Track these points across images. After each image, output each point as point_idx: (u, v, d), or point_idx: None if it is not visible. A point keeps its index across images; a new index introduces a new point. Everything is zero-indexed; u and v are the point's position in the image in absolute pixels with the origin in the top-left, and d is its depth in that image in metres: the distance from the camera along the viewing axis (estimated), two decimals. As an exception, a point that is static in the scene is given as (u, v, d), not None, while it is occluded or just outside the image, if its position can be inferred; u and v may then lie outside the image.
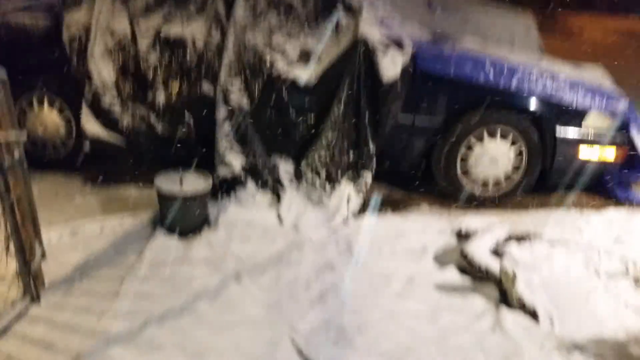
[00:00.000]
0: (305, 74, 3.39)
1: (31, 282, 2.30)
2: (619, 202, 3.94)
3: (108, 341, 2.11)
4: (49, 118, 3.83)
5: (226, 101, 3.40)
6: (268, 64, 3.39)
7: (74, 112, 3.75)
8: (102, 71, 3.47)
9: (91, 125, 3.56)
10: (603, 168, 3.86)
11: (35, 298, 2.33)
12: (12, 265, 2.29)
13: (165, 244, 2.93)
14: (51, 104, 3.82)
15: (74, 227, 3.04)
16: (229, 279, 2.62)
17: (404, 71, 3.41)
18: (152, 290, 2.49)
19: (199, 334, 2.22)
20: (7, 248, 2.25)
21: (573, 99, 3.62)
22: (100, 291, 2.47)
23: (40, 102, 3.81)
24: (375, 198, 3.65)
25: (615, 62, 5.04)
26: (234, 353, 2.11)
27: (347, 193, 3.48)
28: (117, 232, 3.05)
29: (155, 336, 2.17)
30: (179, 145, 3.59)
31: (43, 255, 2.59)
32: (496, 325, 2.41)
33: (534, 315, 2.45)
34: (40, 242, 2.57)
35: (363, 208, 3.50)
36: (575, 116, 3.64)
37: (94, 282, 2.55)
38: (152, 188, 3.05)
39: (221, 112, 3.41)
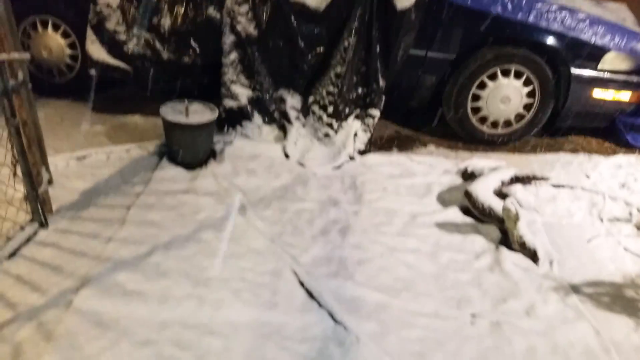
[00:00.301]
0: (315, 0, 3.26)
1: (39, 207, 2.33)
2: (629, 147, 3.89)
3: (115, 266, 2.17)
4: (54, 42, 3.75)
5: (233, 28, 3.30)
6: None
7: (78, 36, 3.67)
8: (107, -8, 3.36)
9: (96, 50, 3.49)
10: (616, 111, 3.79)
11: (43, 223, 2.37)
12: (20, 190, 2.32)
13: (171, 174, 2.95)
14: (55, 28, 3.73)
15: (81, 154, 3.04)
16: (234, 211, 2.65)
17: None
18: (158, 218, 2.53)
19: (204, 262, 2.27)
20: (15, 172, 2.27)
21: (592, 37, 3.49)
22: (107, 218, 2.50)
23: (44, 26, 3.73)
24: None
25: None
26: (237, 282, 2.16)
27: (354, 130, 3.45)
28: (123, 161, 3.06)
29: (160, 263, 2.22)
30: (184, 72, 3.53)
31: (50, 181, 2.61)
32: (495, 265, 2.45)
33: (533, 256, 2.48)
34: (47, 168, 2.59)
35: (369, 145, 3.47)
36: (593, 55, 3.53)
37: (100, 209, 2.58)
38: (158, 117, 3.02)
39: (227, 39, 3.32)
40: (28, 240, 2.29)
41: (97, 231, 2.40)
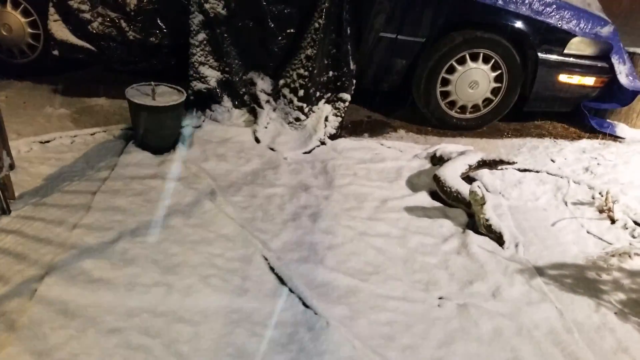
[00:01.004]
0: None
1: (0, 193, 2.26)
2: (593, 132, 3.99)
3: (80, 253, 2.12)
4: (13, 20, 3.60)
5: (200, 6, 3.22)
6: None
7: (40, 15, 3.53)
8: (70, -32, 3.24)
9: (59, 29, 3.38)
10: (581, 96, 3.87)
11: (4, 210, 2.30)
12: (-21, 175, 2.24)
13: (138, 158, 2.88)
14: (15, 5, 3.58)
15: (44, 138, 2.95)
16: (203, 197, 2.62)
17: None
18: (125, 204, 2.48)
19: (172, 249, 2.24)
20: (-27, 158, 2.19)
21: (558, 21, 3.54)
22: (72, 204, 2.44)
23: (3, 3, 3.57)
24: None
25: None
26: (207, 268, 2.15)
27: (325, 114, 3.44)
28: (88, 145, 2.99)
29: (128, 250, 2.18)
30: (151, 53, 3.45)
31: (12, 166, 2.51)
32: (462, 248, 2.49)
33: (499, 239, 2.54)
34: (9, 153, 2.49)
35: (340, 130, 3.47)
36: (559, 40, 3.59)
37: (65, 195, 2.51)
38: (124, 100, 2.95)
39: (195, 18, 3.24)
40: (-11, 227, 2.22)
41: (62, 217, 2.34)
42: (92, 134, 3.08)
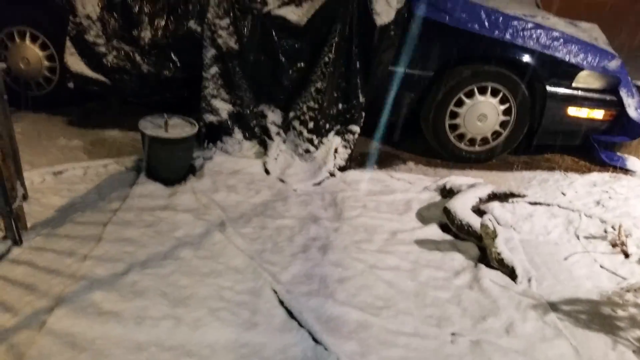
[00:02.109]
0: (296, 15, 3.28)
1: (13, 223, 2.28)
2: (603, 165, 3.98)
3: (90, 285, 2.12)
4: (31, 53, 3.70)
5: (213, 41, 3.29)
6: (257, 3, 3.26)
7: (57, 48, 3.63)
8: (87, 4, 3.34)
9: (75, 62, 3.45)
10: (590, 129, 3.87)
11: (17, 240, 2.31)
12: (-7, 206, 2.26)
13: (149, 190, 2.91)
14: (33, 39, 3.68)
15: (57, 169, 2.99)
16: (213, 228, 2.62)
17: (399, 15, 3.31)
18: (136, 236, 2.49)
19: (182, 281, 2.23)
20: (-13, 188, 2.21)
21: (566, 55, 3.57)
22: (83, 235, 2.45)
23: (22, 37, 3.67)
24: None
25: (612, 22, 4.97)
26: (216, 301, 2.13)
27: (334, 146, 3.46)
28: (101, 176, 3.02)
29: (137, 282, 2.18)
30: (164, 85, 3.51)
31: (25, 196, 2.55)
32: (474, 282, 2.46)
33: (512, 274, 2.51)
34: (22, 183, 2.53)
35: (350, 162, 3.48)
36: (567, 73, 3.61)
37: (76, 225, 2.53)
38: (137, 132, 2.99)
39: (208, 52, 3.31)
40: (1, 258, 2.22)
41: (73, 249, 2.35)
42: (104, 165, 3.12)
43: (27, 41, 3.67)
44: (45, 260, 2.25)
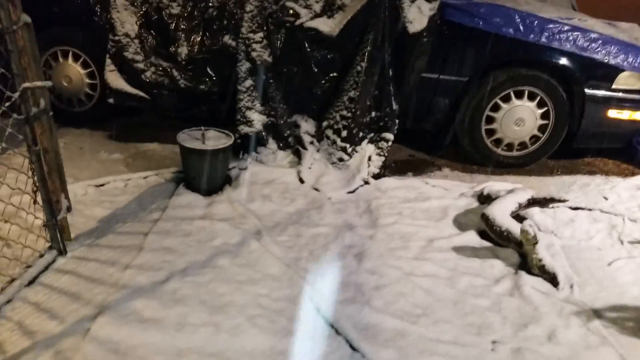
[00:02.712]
0: (328, 26, 3.31)
1: (58, 234, 2.36)
2: (647, 168, 3.85)
3: (132, 293, 2.17)
4: (74, 71, 3.85)
5: (248, 55, 3.36)
6: (290, 16, 3.31)
7: (97, 66, 3.76)
8: (125, 23, 3.46)
9: (114, 79, 3.58)
10: (633, 131, 3.75)
11: (61, 250, 2.39)
12: (40, 217, 2.35)
13: (187, 200, 2.97)
14: (75, 57, 3.83)
15: (99, 182, 3.09)
16: (250, 237, 2.66)
17: (431, 22, 3.30)
18: (175, 245, 2.54)
19: (220, 288, 2.26)
20: (35, 200, 2.30)
21: (605, 57, 3.48)
22: (124, 245, 2.52)
23: (65, 56, 3.83)
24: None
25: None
26: (254, 308, 2.15)
27: (368, 154, 3.46)
28: (141, 188, 3.10)
29: (177, 289, 2.22)
30: (201, 99, 3.59)
31: (69, 208, 2.64)
32: (515, 290, 2.41)
33: (553, 280, 2.44)
34: (67, 195, 2.62)
35: (384, 169, 3.47)
36: (607, 75, 3.52)
37: (118, 236, 2.60)
38: (175, 145, 3.06)
39: (243, 66, 3.38)
40: (47, 267, 2.31)
41: (115, 258, 2.42)
42: (144, 178, 3.20)
43: (70, 60, 3.82)
44: (89, 269, 2.33)
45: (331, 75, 3.44)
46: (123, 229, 2.67)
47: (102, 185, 3.08)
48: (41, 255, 2.35)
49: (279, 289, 2.30)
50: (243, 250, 2.55)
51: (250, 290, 2.27)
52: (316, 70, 3.42)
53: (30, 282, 2.20)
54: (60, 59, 3.83)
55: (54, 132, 2.44)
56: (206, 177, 3.06)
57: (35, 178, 2.23)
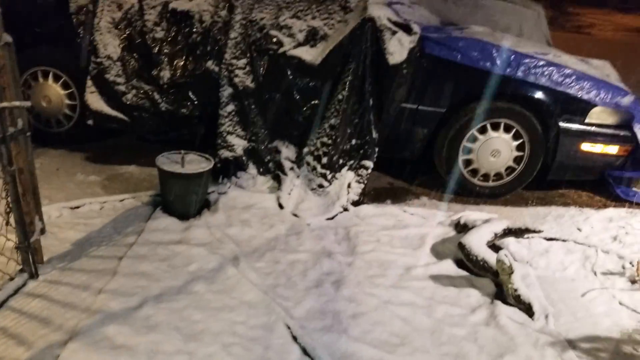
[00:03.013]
0: (310, 55, 3.36)
1: (30, 257, 2.31)
2: (619, 200, 3.94)
3: (104, 319, 2.12)
4: (53, 92, 3.82)
5: (230, 80, 3.38)
6: (274, 44, 3.36)
7: (78, 87, 3.75)
8: (108, 45, 3.46)
9: (95, 101, 3.56)
10: (605, 165, 3.85)
11: (33, 273, 2.33)
12: (12, 239, 2.29)
13: (164, 224, 2.94)
14: (56, 78, 3.81)
15: (74, 204, 3.04)
16: (227, 262, 2.63)
17: (411, 54, 3.37)
18: (150, 270, 2.50)
19: (195, 315, 2.22)
20: (7, 222, 2.25)
21: (578, 92, 3.59)
22: (98, 269, 2.47)
23: (45, 76, 3.80)
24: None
25: (623, 59, 5.02)
26: (229, 336, 2.12)
27: (347, 181, 3.48)
28: (117, 211, 3.06)
29: (151, 316, 2.18)
30: (181, 123, 3.59)
31: (43, 231, 2.59)
32: (491, 319, 2.42)
33: (529, 310, 2.46)
34: (41, 217, 2.58)
35: (363, 196, 3.49)
36: (580, 110, 3.62)
37: (92, 259, 2.55)
38: (154, 168, 3.04)
39: (225, 91, 3.40)
40: (16, 291, 2.24)
41: (88, 282, 2.36)
42: (121, 200, 3.16)
43: (50, 80, 3.80)
44: (60, 293, 2.27)
45: (313, 102, 3.47)
46: (97, 252, 2.62)
47: (77, 207, 3.03)
48: (11, 279, 2.29)
49: (255, 317, 2.27)
50: (219, 276, 2.52)
51: (225, 317, 2.24)
52: (298, 97, 3.45)
53: (-1, 306, 2.14)
54: (40, 79, 3.80)
55: (30, 152, 2.41)
56: (184, 201, 3.04)
57: (9, 199, 2.19)
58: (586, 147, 3.71)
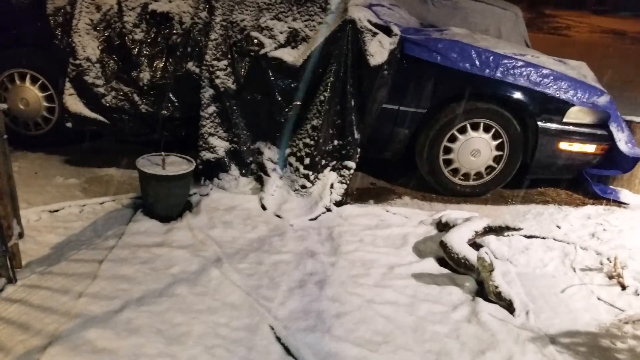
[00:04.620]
0: (292, 57, 3.36)
1: (7, 261, 2.27)
2: (597, 198, 4.01)
3: (85, 323, 2.09)
4: (31, 94, 3.76)
5: (211, 82, 3.37)
6: (255, 45, 3.35)
7: (56, 89, 3.69)
8: (87, 47, 3.42)
9: (73, 103, 3.51)
10: (583, 163, 3.91)
11: (11, 278, 2.29)
12: (-12, 244, 2.26)
13: (145, 227, 2.91)
14: (33, 80, 3.75)
15: (53, 207, 3.00)
16: (209, 264, 2.62)
17: (392, 56, 3.39)
18: (131, 273, 2.47)
19: (178, 318, 2.21)
20: (-16, 226, 2.22)
21: (556, 92, 3.65)
22: (78, 273, 2.44)
23: (22, 78, 3.74)
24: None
25: (599, 60, 5.12)
26: (212, 338, 2.11)
27: (330, 181, 3.48)
28: (97, 214, 3.02)
29: (132, 319, 2.16)
30: (162, 124, 3.56)
31: (21, 235, 2.55)
32: (472, 316, 2.45)
33: (509, 307, 2.49)
34: (19, 221, 2.53)
35: (346, 197, 3.51)
36: (558, 109, 3.68)
37: (72, 263, 2.52)
38: (134, 170, 3.01)
39: (206, 92, 3.38)
40: (-6, 296, 2.21)
41: (68, 286, 2.33)
42: (101, 203, 3.13)
43: (27, 83, 3.74)
44: (40, 298, 2.24)
45: (294, 103, 3.47)
46: (77, 256, 2.59)
47: (56, 210, 2.99)
48: (-12, 283, 2.25)
49: (239, 318, 2.26)
50: (202, 278, 2.51)
51: (208, 319, 2.23)
52: (280, 98, 3.45)
53: (-24, 312, 2.10)
54: (17, 81, 3.74)
55: (7, 155, 2.37)
56: (165, 203, 3.02)
57: (-14, 203, 2.15)
58: (564, 146, 3.77)
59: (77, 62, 3.42)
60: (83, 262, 2.54)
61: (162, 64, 3.47)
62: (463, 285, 2.69)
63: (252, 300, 2.38)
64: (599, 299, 2.71)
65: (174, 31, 3.44)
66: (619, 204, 3.95)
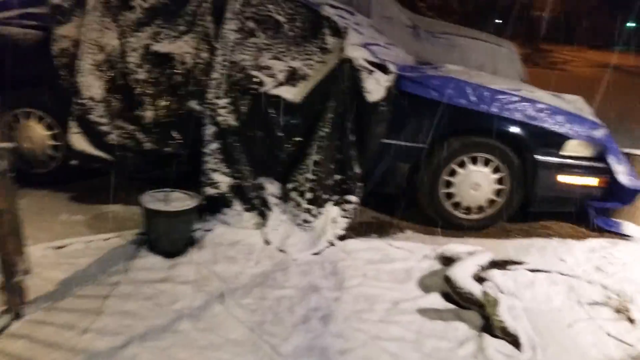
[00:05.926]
0: (291, 94, 3.44)
1: (14, 297, 2.27)
2: (600, 231, 4.01)
3: (89, 358, 2.09)
4: (36, 133, 3.82)
5: (213, 119, 3.43)
6: (255, 83, 3.43)
7: (61, 127, 3.75)
8: (91, 86, 3.49)
9: (78, 141, 3.56)
10: (584, 196, 3.93)
11: (17, 314, 2.29)
12: (-6, 280, 2.27)
13: (149, 263, 2.92)
14: (38, 119, 3.81)
15: (59, 244, 3.01)
16: (213, 300, 2.61)
17: (389, 93, 3.47)
18: (135, 309, 2.47)
19: (180, 354, 2.20)
20: (-10, 263, 2.23)
21: (552, 125, 3.71)
22: (83, 309, 2.44)
23: (27, 117, 3.81)
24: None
25: (595, 94, 5.21)
26: (216, 375, 2.09)
27: (332, 216, 3.50)
28: (102, 250, 3.03)
29: (136, 355, 2.15)
30: (166, 161, 3.60)
31: (27, 271, 2.55)
32: (479, 352, 2.42)
33: (516, 342, 2.47)
34: (25, 258, 2.54)
35: (348, 231, 3.52)
36: (555, 143, 3.72)
37: (77, 299, 2.52)
38: (139, 206, 3.04)
39: (209, 130, 3.44)
40: (0, 332, 2.21)
41: (73, 322, 2.33)
42: (105, 239, 3.14)
43: (32, 122, 3.80)
44: (45, 334, 2.23)
45: (295, 139, 3.53)
46: (82, 292, 2.59)
47: (62, 247, 3.00)
48: (-6, 320, 2.25)
49: (242, 355, 2.25)
50: (205, 314, 2.50)
51: (211, 356, 2.22)
52: (281, 134, 3.51)
53: (-19, 349, 2.09)
54: (22, 120, 3.80)
55: (14, 194, 2.40)
56: (169, 239, 3.03)
57: (-8, 240, 2.17)
58: (563, 178, 3.79)
59: (81, 101, 3.49)
60: (88, 298, 2.54)
61: (165, 103, 3.54)
62: (469, 320, 2.67)
63: (255, 337, 2.37)
64: (608, 334, 2.67)
65: (176, 71, 3.52)
66: (622, 236, 3.94)
